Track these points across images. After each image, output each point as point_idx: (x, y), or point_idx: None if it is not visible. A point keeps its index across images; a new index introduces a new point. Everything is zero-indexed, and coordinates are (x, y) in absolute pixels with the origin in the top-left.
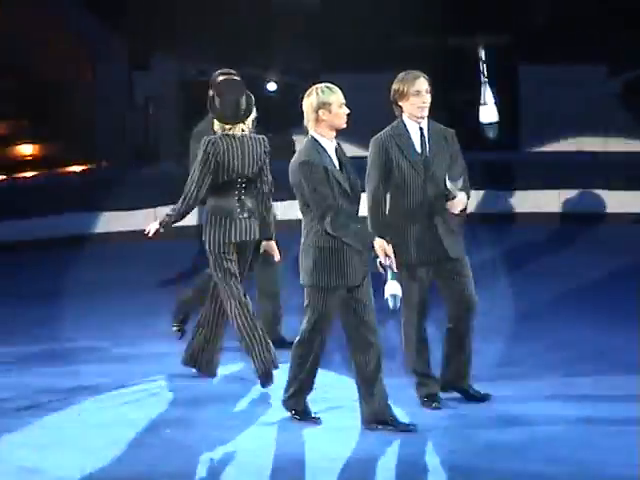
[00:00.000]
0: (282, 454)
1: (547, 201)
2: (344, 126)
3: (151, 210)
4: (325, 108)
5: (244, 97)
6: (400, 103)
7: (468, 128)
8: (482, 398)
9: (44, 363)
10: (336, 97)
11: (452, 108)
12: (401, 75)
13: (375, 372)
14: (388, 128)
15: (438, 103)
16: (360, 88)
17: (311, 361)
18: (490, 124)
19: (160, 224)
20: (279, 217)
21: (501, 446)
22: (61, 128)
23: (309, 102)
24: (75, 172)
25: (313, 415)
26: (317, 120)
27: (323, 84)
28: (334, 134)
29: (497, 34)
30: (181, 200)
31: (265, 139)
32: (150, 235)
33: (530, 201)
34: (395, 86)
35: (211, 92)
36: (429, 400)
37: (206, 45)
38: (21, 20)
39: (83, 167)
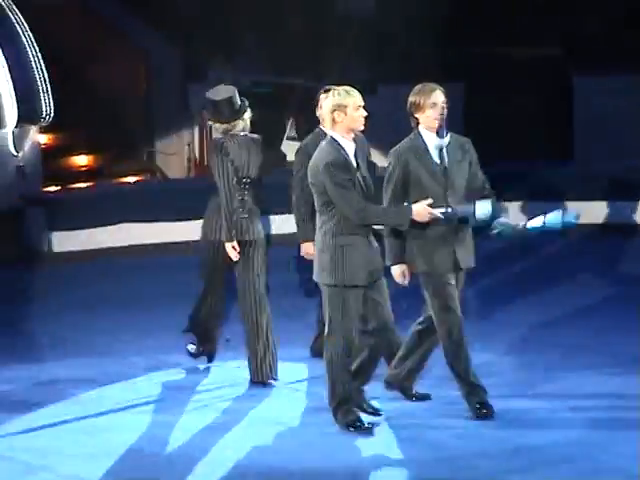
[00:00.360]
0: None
1: None
2: (361, 128)
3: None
4: (341, 110)
5: (236, 97)
6: (416, 115)
7: None
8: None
9: None
10: (352, 100)
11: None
12: (417, 87)
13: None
14: (406, 140)
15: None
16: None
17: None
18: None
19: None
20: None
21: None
22: (116, 139)
23: (326, 104)
24: (130, 183)
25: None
26: (333, 121)
27: (342, 87)
28: (352, 135)
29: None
30: (225, 216)
31: (260, 139)
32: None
33: None
34: (412, 98)
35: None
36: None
37: (260, 57)
38: (79, 31)
39: (138, 178)
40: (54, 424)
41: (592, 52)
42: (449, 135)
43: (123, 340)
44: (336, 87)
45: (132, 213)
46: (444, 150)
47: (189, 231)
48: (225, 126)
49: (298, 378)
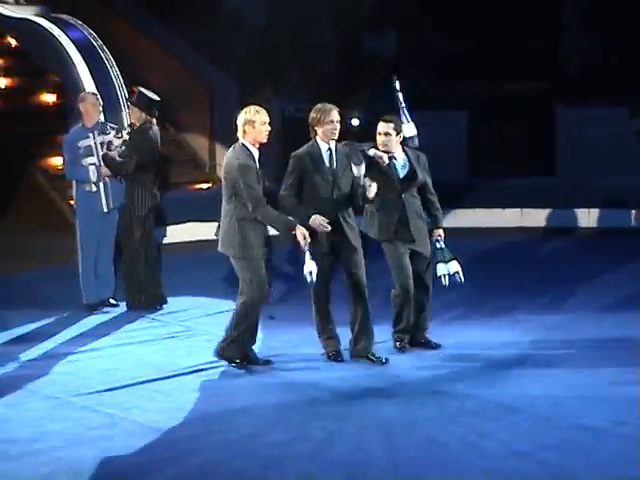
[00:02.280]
0: None
1: None
2: (264, 140)
3: None
4: (250, 124)
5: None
6: (316, 128)
7: None
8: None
9: None
10: (260, 117)
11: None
12: (319, 106)
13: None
14: (305, 147)
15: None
16: (427, 124)
17: None
18: (411, 137)
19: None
20: None
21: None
22: (184, 154)
23: (240, 118)
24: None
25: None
26: (244, 132)
27: (253, 106)
28: (257, 145)
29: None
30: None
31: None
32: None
33: None
34: (313, 114)
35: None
36: None
37: (302, 88)
38: (157, 68)
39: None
40: (133, 384)
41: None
42: (339, 145)
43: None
44: (250, 106)
45: (198, 214)
46: (333, 156)
47: None
48: (147, 118)
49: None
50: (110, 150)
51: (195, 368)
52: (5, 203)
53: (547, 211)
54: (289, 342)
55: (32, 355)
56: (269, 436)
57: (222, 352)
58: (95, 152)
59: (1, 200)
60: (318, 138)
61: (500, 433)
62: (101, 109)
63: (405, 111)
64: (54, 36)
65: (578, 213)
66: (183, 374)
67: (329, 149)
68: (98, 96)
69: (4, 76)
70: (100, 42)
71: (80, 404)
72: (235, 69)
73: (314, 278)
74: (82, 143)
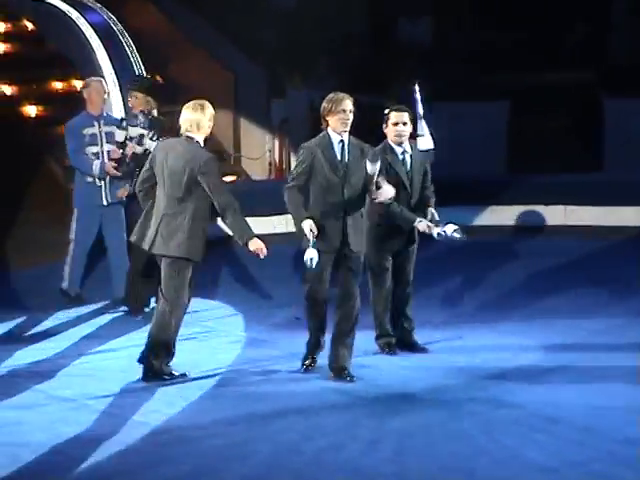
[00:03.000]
0: None
1: None
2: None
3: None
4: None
5: None
6: (327, 118)
7: None
8: None
9: None
10: (209, 112)
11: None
12: (330, 95)
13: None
14: (317, 138)
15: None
16: (460, 116)
17: None
18: (427, 151)
19: None
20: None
21: None
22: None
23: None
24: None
25: None
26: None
27: (198, 102)
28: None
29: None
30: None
31: None
32: None
33: None
34: (325, 104)
35: None
36: None
37: (330, 77)
38: (181, 58)
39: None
40: (152, 387)
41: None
42: (350, 137)
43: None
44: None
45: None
46: (346, 149)
47: (270, 225)
48: (152, 105)
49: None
50: (140, 145)
51: (217, 371)
52: (20, 192)
53: (593, 209)
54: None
55: (46, 355)
56: (298, 446)
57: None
58: (99, 141)
59: (16, 189)
60: (330, 129)
61: (544, 443)
62: (106, 96)
63: (424, 122)
64: (72, 19)
65: (626, 211)
66: (204, 377)
67: (341, 141)
68: (104, 82)
69: (20, 60)
70: (120, 26)
71: (96, 407)
72: (261, 57)
73: (314, 264)
74: (87, 131)
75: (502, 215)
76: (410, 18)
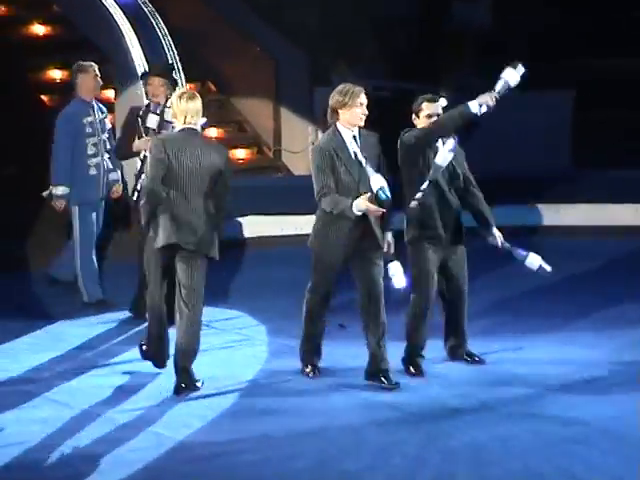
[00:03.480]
0: None
1: None
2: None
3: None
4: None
5: None
6: (341, 111)
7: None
8: None
9: None
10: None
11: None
12: (345, 87)
13: None
14: (325, 137)
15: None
16: (525, 107)
17: None
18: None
19: None
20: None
21: None
22: (246, 137)
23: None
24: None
25: None
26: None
27: (187, 90)
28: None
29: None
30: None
31: None
32: None
33: None
34: (339, 97)
35: None
36: None
37: (380, 63)
38: (218, 42)
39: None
40: (183, 399)
41: None
42: (364, 132)
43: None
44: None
45: (259, 206)
46: (359, 143)
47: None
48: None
49: None
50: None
51: (254, 382)
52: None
53: None
54: (356, 356)
55: (68, 365)
56: (342, 463)
57: None
58: (97, 131)
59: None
60: (339, 125)
61: (609, 464)
62: (101, 82)
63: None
64: (99, 0)
65: None
66: (240, 389)
67: (354, 137)
68: (96, 68)
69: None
70: (151, 7)
71: (122, 421)
72: (304, 41)
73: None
74: (86, 120)
75: (566, 214)
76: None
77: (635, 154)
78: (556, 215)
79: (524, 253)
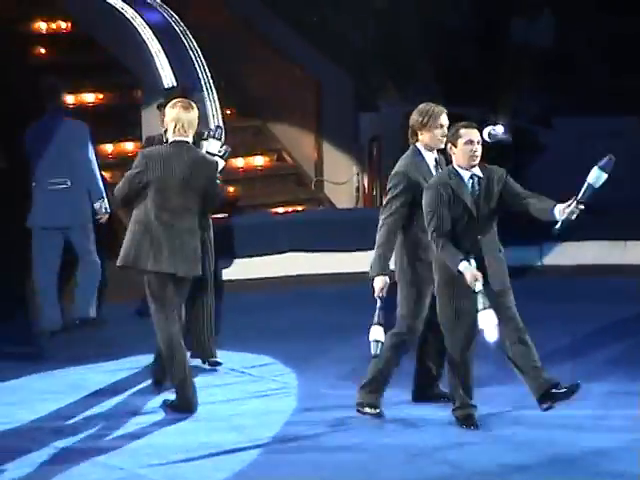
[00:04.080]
0: None
1: None
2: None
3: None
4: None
5: None
6: (420, 133)
7: None
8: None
9: None
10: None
11: None
12: (425, 107)
13: None
14: (406, 160)
15: None
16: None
17: None
18: (588, 185)
19: None
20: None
21: None
22: (287, 167)
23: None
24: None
25: None
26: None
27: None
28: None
29: None
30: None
31: None
32: None
33: None
34: (419, 117)
35: None
36: None
37: (432, 87)
38: (255, 60)
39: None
40: (217, 454)
41: None
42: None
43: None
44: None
45: (300, 242)
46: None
47: (355, 262)
48: None
49: None
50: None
51: (292, 436)
52: None
53: None
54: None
55: (92, 413)
56: None
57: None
58: None
59: None
60: (420, 145)
61: None
62: None
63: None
64: (127, 19)
65: None
66: (277, 442)
67: (435, 159)
68: None
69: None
70: (183, 26)
71: (150, 477)
72: (350, 62)
73: (378, 350)
74: None
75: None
76: (526, 15)
77: None
78: (623, 253)
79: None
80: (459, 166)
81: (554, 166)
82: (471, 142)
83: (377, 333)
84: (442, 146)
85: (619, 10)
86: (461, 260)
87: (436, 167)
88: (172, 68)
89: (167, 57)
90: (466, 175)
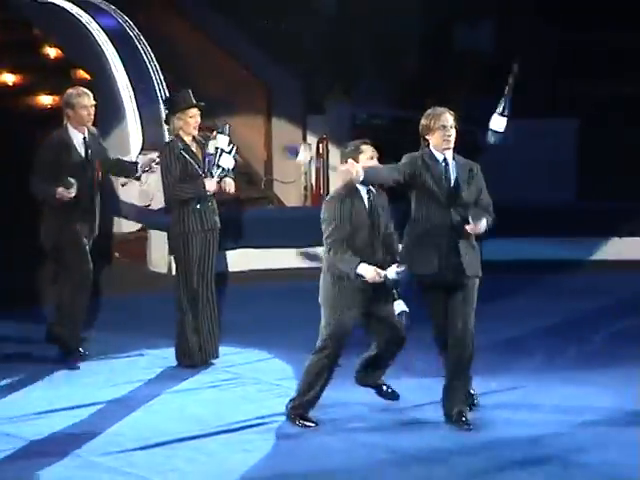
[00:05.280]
0: None
1: None
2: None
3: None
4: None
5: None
6: (427, 136)
7: None
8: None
9: None
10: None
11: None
12: (429, 111)
13: None
14: (419, 153)
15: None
16: (528, 135)
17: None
18: (496, 132)
19: None
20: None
21: None
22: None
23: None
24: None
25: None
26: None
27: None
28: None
29: None
30: None
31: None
32: None
33: None
34: (423, 121)
35: None
36: None
37: (377, 92)
38: (204, 61)
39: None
40: (171, 442)
41: None
42: (457, 157)
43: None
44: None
45: (250, 239)
46: (450, 167)
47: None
48: None
49: None
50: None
51: (244, 424)
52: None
53: None
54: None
55: (51, 406)
56: None
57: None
58: None
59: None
60: (433, 148)
61: None
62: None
63: (507, 102)
64: (83, 23)
65: None
66: (230, 430)
67: (445, 160)
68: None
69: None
70: (137, 31)
71: (107, 465)
72: (300, 65)
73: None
74: None
75: (571, 248)
76: (469, 22)
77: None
78: (560, 249)
79: None
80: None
81: (491, 165)
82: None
83: (400, 305)
84: (449, 146)
85: (558, 17)
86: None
87: (446, 168)
88: (127, 72)
89: (121, 61)
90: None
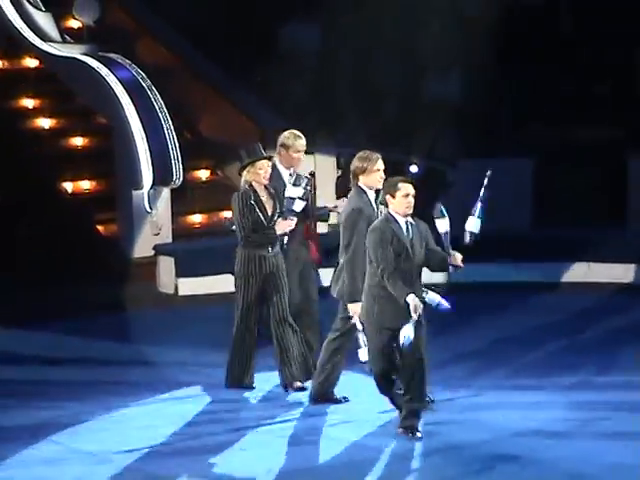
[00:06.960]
0: None
1: None
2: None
3: None
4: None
5: None
6: (361, 177)
7: None
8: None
9: None
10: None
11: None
12: (364, 155)
13: None
14: (355, 197)
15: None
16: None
17: None
18: (472, 232)
19: None
20: None
21: None
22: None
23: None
24: None
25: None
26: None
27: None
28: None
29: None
30: None
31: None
32: None
33: None
34: (359, 164)
35: None
36: None
37: (359, 134)
38: (203, 111)
39: None
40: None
41: None
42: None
43: None
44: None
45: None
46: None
47: None
48: None
49: None
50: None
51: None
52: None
53: (616, 266)
54: None
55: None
56: None
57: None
58: None
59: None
60: (362, 185)
61: None
62: None
63: (480, 204)
64: (102, 76)
65: None
66: (230, 430)
67: (376, 199)
68: None
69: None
70: (149, 82)
71: (118, 463)
72: (289, 112)
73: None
74: None
75: (525, 271)
76: (439, 72)
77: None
78: (516, 272)
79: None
80: (396, 213)
81: (457, 198)
82: (407, 195)
83: (408, 330)
84: (379, 186)
85: (518, 61)
86: (408, 293)
87: (375, 201)
88: (140, 118)
89: (135, 109)
90: (402, 221)
